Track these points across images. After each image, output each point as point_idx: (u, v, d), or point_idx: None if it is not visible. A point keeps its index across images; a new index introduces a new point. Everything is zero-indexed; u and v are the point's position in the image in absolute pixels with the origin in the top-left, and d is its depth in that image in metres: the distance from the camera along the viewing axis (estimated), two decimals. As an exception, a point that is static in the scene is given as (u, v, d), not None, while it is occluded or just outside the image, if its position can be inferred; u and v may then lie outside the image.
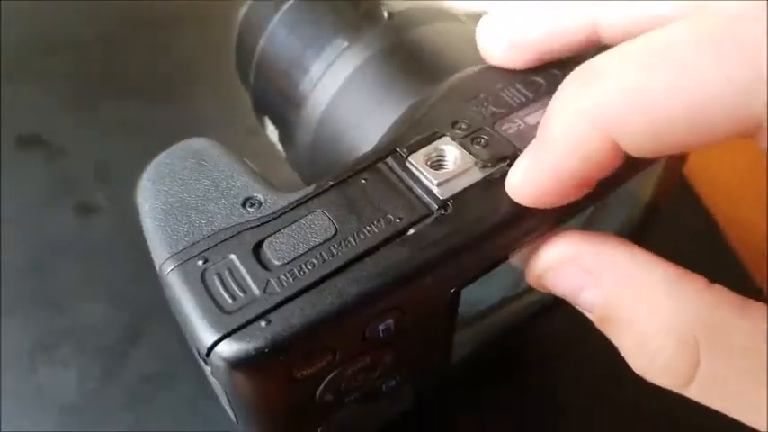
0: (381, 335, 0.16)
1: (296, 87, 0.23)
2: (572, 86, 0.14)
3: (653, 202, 0.23)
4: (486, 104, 0.19)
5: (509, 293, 0.22)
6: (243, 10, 0.26)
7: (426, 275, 0.16)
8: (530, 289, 0.20)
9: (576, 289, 0.16)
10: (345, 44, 0.22)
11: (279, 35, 0.24)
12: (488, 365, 0.25)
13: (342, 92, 0.22)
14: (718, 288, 0.14)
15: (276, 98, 0.25)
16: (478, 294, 0.19)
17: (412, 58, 0.21)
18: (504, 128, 0.18)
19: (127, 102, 0.35)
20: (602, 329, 0.16)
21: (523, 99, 0.18)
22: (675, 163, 0.23)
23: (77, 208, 0.31)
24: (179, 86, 0.33)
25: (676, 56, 0.12)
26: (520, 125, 0.18)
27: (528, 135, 0.17)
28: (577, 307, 0.16)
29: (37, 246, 0.29)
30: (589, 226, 0.20)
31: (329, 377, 0.16)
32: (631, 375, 0.15)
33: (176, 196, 0.17)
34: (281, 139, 0.25)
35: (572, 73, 0.14)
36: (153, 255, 0.17)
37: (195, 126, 0.28)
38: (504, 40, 0.19)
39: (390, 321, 0.16)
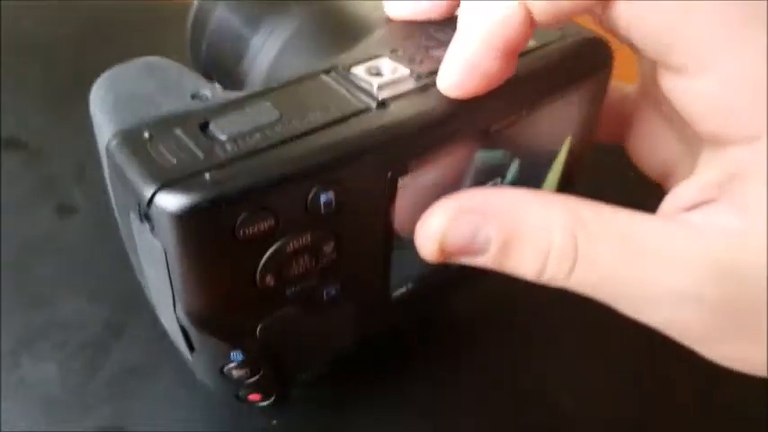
0: (322, 210, 0.16)
1: (240, 61, 0.25)
2: None
3: (566, 175, 0.25)
4: (420, 39, 0.20)
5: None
6: (194, 5, 0.28)
7: (365, 154, 0.17)
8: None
9: (472, 233, 0.18)
10: (283, 12, 0.24)
11: (222, 19, 0.26)
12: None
13: (281, 55, 0.24)
14: (577, 197, 0.18)
15: (223, 76, 0.26)
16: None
17: (348, 14, 0.24)
18: (437, 53, 0.20)
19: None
20: (500, 261, 0.18)
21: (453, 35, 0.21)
22: (585, 135, 0.24)
23: (57, 207, 0.31)
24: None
25: None
26: None
27: None
28: (475, 257, 0.18)
29: (19, 244, 0.30)
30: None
31: (272, 249, 0.16)
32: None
33: (126, 91, 0.18)
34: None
35: None
36: (100, 144, 0.17)
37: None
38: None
39: (330, 194, 0.16)
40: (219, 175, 0.15)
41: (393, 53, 0.20)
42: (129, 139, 0.16)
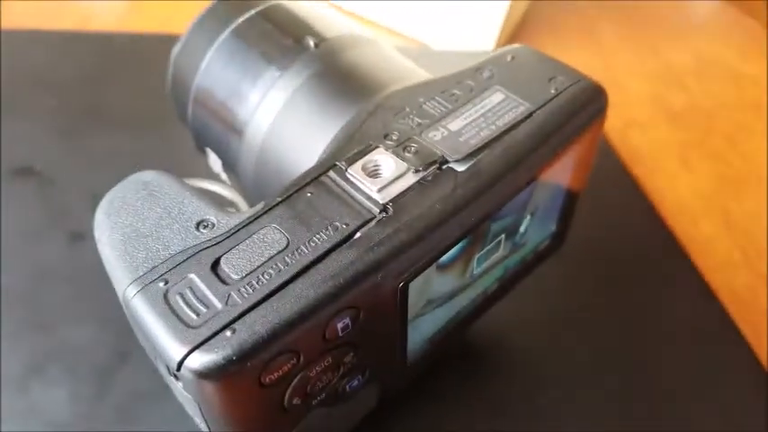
0: (340, 333, 0.17)
1: (235, 117, 0.25)
2: None
3: (567, 208, 0.25)
4: (411, 116, 0.20)
5: (457, 286, 0.23)
6: (175, 50, 0.27)
7: (376, 273, 0.17)
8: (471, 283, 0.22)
9: None
10: (278, 73, 0.23)
11: (213, 70, 0.25)
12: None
13: (280, 117, 0.23)
14: None
15: (216, 130, 0.26)
16: (425, 291, 0.20)
17: (341, 81, 0.23)
18: (430, 135, 0.20)
19: (113, 134, 0.36)
20: None
21: (444, 109, 0.20)
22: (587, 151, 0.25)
23: (68, 235, 0.32)
24: (160, 119, 0.34)
25: None
26: (444, 132, 0.20)
27: (452, 140, 0.19)
28: None
29: (30, 271, 0.30)
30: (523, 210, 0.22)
31: (295, 381, 0.17)
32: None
33: (131, 226, 0.18)
34: (225, 168, 0.26)
35: None
36: (115, 284, 0.18)
37: (175, 155, 0.31)
38: None
39: (347, 320, 0.17)
40: (240, 329, 0.16)
41: (387, 138, 0.20)
42: (146, 291, 0.16)
